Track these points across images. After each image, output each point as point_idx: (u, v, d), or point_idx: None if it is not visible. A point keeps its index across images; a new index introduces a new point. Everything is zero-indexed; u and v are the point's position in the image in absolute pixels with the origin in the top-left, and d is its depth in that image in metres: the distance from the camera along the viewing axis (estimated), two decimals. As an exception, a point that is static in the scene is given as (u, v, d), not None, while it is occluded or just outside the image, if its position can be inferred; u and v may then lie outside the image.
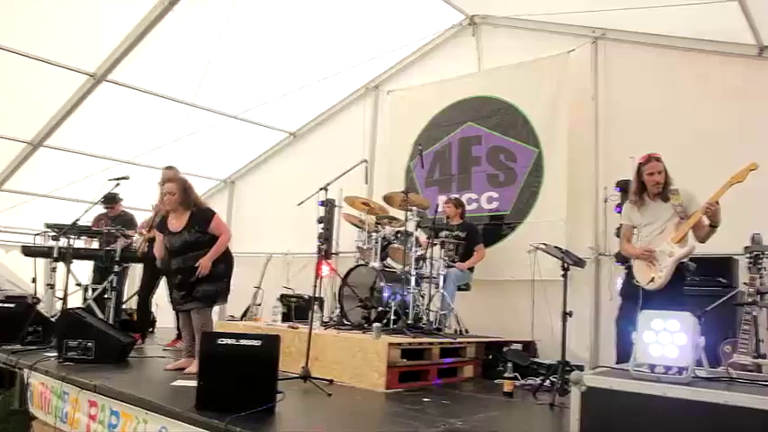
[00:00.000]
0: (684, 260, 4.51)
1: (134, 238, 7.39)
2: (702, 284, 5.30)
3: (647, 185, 4.63)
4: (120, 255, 7.06)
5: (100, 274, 7.49)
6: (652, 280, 4.51)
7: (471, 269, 6.90)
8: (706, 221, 4.43)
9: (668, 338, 2.68)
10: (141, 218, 8.16)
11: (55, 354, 5.26)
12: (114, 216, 7.71)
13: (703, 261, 4.93)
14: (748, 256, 4.67)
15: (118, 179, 6.51)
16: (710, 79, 6.23)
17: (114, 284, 7.00)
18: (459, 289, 6.77)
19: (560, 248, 5.10)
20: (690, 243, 4.46)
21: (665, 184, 4.58)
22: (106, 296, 7.28)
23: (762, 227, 4.87)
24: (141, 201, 9.97)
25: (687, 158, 5.59)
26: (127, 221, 7.69)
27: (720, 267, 5.42)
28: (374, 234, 6.62)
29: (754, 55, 5.93)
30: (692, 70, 6.36)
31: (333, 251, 8.37)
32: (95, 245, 7.59)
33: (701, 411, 2.39)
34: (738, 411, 2.31)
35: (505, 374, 4.80)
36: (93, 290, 7.24)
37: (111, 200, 7.45)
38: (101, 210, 7.67)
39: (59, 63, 7.01)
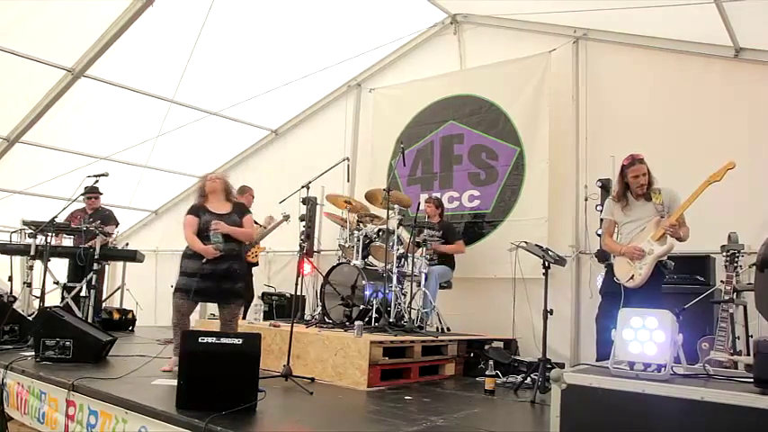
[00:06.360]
0: (663, 258, 4.58)
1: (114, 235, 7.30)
2: (680, 282, 5.40)
3: (630, 187, 4.71)
4: (99, 252, 6.97)
5: (76, 273, 7.38)
6: (632, 277, 4.58)
7: (452, 267, 6.94)
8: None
9: (647, 336, 2.70)
10: (118, 214, 8.02)
11: (32, 353, 5.18)
12: (92, 211, 7.59)
13: (681, 259, 5.03)
14: (725, 254, 4.74)
15: (97, 176, 6.42)
16: (690, 80, 6.31)
17: (93, 283, 6.91)
18: (441, 287, 6.79)
19: (541, 247, 5.12)
20: (669, 241, 4.52)
21: (648, 184, 4.66)
22: (83, 294, 7.18)
23: (738, 226, 4.95)
24: (120, 198, 9.93)
25: (666, 157, 5.68)
26: (105, 217, 7.57)
27: (698, 266, 5.51)
28: (356, 232, 6.63)
29: (731, 56, 6.02)
30: (671, 71, 6.44)
31: (314, 249, 8.36)
32: (66, 242, 7.45)
33: (679, 408, 2.42)
34: (715, 407, 2.35)
35: (487, 372, 4.81)
36: (72, 288, 7.14)
37: (94, 190, 7.24)
38: (77, 205, 7.40)
39: (37, 58, 6.89)
